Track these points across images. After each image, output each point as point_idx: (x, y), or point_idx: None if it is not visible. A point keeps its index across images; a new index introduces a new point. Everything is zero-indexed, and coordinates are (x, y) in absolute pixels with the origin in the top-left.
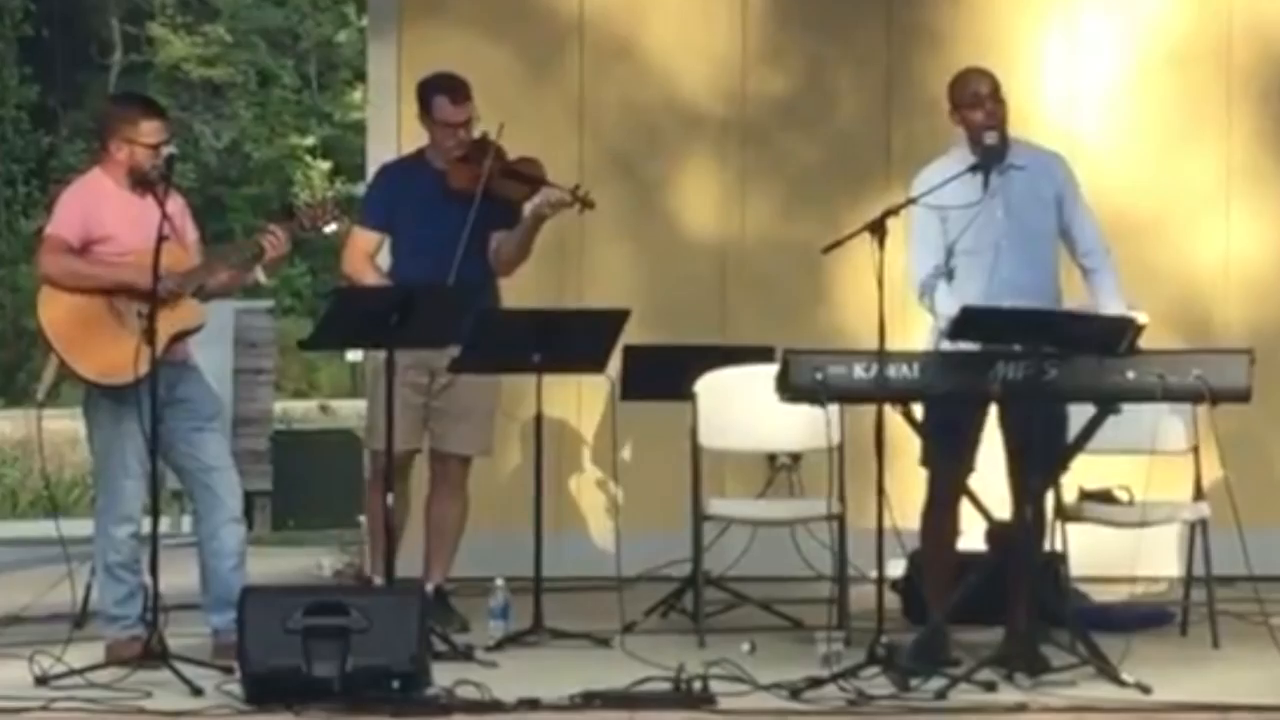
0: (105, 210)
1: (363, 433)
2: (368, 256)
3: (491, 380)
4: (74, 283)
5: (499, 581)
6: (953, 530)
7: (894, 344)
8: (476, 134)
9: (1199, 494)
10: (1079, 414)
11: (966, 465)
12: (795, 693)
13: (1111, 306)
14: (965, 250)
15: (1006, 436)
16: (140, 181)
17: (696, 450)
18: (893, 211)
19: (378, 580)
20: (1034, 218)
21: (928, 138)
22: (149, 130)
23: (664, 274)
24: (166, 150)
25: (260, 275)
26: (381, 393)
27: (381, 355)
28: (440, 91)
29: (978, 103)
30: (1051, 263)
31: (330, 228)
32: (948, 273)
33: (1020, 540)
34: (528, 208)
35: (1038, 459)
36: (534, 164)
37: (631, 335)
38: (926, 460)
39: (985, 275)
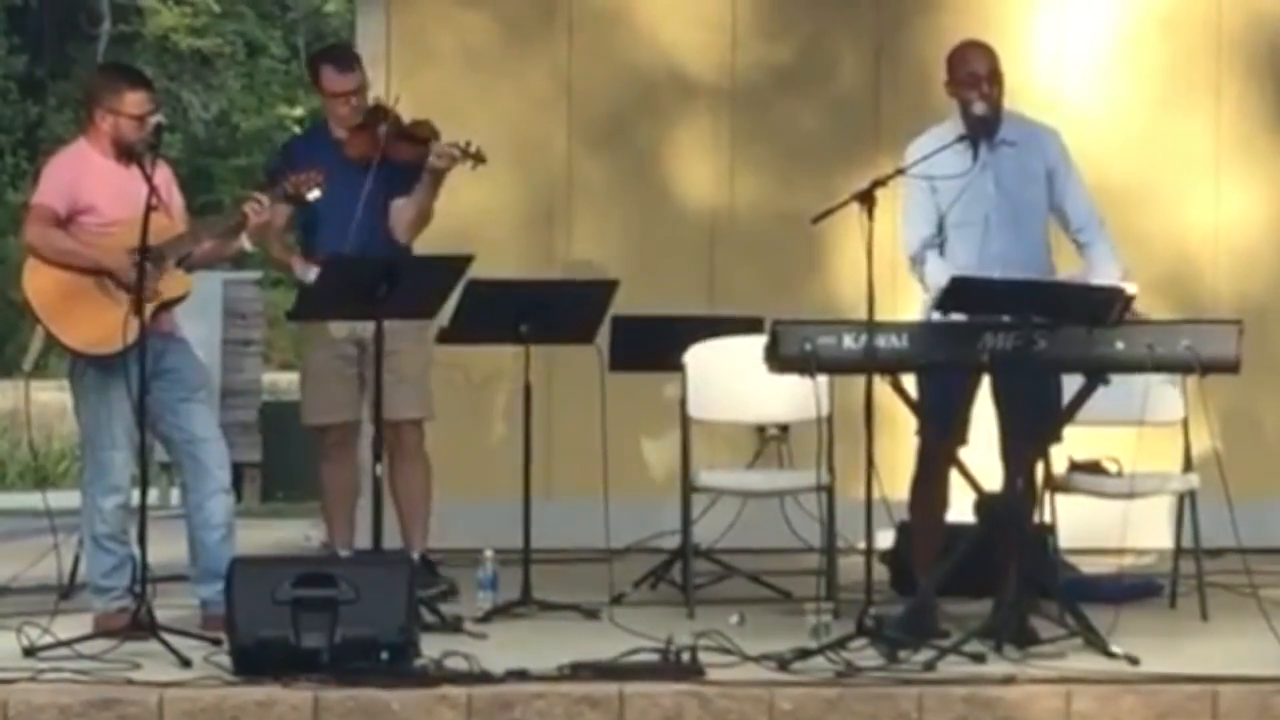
0: (90, 180)
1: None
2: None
3: (424, 346)
4: (55, 257)
5: (487, 553)
6: (942, 501)
7: (885, 314)
8: (371, 102)
9: (1188, 465)
10: (1072, 385)
11: (957, 436)
12: (784, 664)
13: (1105, 279)
14: (955, 223)
15: (998, 407)
16: (126, 153)
17: (685, 421)
18: (881, 182)
19: (343, 553)
20: (1024, 193)
21: (919, 106)
22: (134, 102)
23: (653, 243)
24: (153, 120)
25: (245, 243)
26: (314, 365)
27: (310, 326)
28: (326, 61)
29: (973, 83)
30: (1041, 238)
31: (313, 194)
32: (939, 244)
33: (1010, 512)
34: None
35: (1028, 430)
36: (426, 125)
37: (620, 305)
38: (921, 431)
39: (975, 248)
